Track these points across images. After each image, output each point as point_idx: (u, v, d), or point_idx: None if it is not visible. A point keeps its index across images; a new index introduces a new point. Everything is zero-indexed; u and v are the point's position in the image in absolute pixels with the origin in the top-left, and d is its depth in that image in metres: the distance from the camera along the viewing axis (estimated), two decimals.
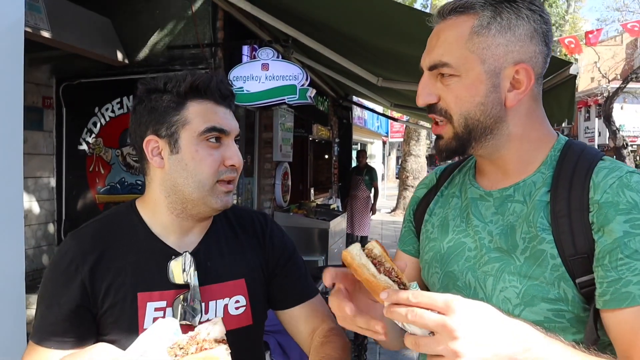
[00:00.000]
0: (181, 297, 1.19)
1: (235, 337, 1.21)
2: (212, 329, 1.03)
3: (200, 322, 1.18)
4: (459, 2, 1.00)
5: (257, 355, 1.36)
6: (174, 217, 1.23)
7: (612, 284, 0.87)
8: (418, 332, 0.77)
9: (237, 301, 1.26)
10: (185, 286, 1.19)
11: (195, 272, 1.20)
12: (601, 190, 0.92)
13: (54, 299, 1.16)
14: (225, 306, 1.24)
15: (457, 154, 1.06)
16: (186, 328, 1.17)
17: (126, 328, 1.16)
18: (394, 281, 0.81)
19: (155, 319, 1.14)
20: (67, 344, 1.14)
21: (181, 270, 1.19)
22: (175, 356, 0.96)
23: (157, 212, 1.24)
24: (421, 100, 1.05)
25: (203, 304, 1.21)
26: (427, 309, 0.75)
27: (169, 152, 1.18)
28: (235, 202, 5.28)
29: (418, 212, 1.22)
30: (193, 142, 1.17)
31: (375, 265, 0.82)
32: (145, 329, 1.09)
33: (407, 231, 1.25)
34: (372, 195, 9.62)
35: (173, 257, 1.20)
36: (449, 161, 1.21)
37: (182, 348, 0.98)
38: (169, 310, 1.19)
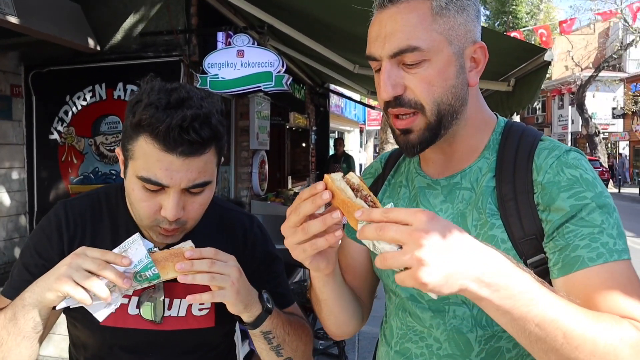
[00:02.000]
0: (149, 292, 1.21)
1: (195, 337, 1.24)
2: (183, 244, 1.09)
3: (162, 318, 1.20)
4: None
5: (221, 352, 1.36)
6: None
7: (562, 251, 0.90)
8: (387, 249, 0.76)
9: (202, 302, 1.21)
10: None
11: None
12: (543, 172, 0.96)
13: (32, 259, 1.20)
14: (189, 306, 1.24)
15: (429, 145, 1.01)
16: (149, 323, 1.20)
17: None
18: (369, 206, 0.82)
19: (121, 304, 1.15)
20: None
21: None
22: (151, 253, 1.05)
23: None
24: (388, 93, 0.96)
25: (167, 300, 1.22)
26: (397, 223, 0.74)
27: (123, 171, 1.17)
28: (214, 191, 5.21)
29: None
30: (133, 180, 1.09)
31: (353, 190, 0.84)
32: None
33: None
34: None
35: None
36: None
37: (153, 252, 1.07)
38: (134, 298, 1.21)
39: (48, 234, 1.22)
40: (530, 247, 0.94)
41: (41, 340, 1.12)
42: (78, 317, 1.20)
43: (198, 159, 1.06)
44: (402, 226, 0.74)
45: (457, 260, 0.73)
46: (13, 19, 3.32)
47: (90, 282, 0.98)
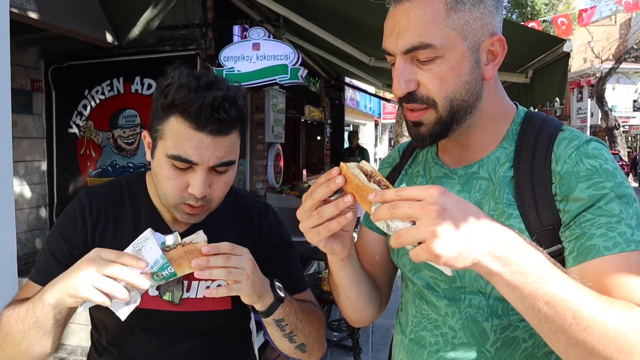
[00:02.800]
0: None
1: (212, 318, 1.27)
2: (195, 237, 1.10)
3: (181, 299, 1.24)
4: None
5: (238, 337, 1.39)
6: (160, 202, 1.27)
7: (577, 239, 0.89)
8: (402, 226, 0.77)
9: (219, 285, 1.24)
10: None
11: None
12: (562, 162, 0.95)
13: (58, 244, 1.24)
14: (207, 288, 1.25)
15: (440, 139, 1.03)
16: (169, 304, 1.23)
17: None
18: (382, 189, 0.83)
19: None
20: None
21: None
22: (166, 252, 1.06)
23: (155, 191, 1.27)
24: (401, 90, 0.97)
25: (186, 282, 1.25)
26: (410, 200, 0.75)
27: (150, 153, 1.21)
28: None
29: None
30: (162, 159, 1.14)
31: (366, 176, 0.86)
32: None
33: None
34: None
35: (169, 233, 1.22)
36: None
37: (171, 248, 1.08)
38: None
39: (72, 220, 1.25)
40: (547, 238, 0.93)
41: (62, 331, 1.16)
42: None
43: (225, 138, 1.13)
44: (415, 202, 0.74)
45: (470, 233, 0.73)
46: (33, 15, 3.37)
47: (110, 286, 1.00)
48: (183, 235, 1.22)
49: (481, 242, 0.74)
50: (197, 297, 1.26)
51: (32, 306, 1.09)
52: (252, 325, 1.64)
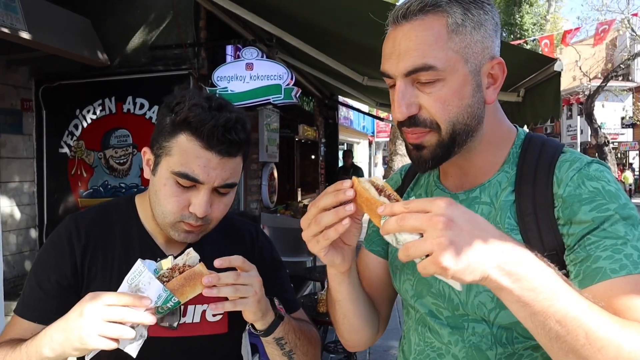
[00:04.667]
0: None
1: (209, 343, 1.25)
2: (187, 258, 1.08)
3: (179, 324, 1.22)
4: (423, 1, 0.93)
5: None
6: (155, 223, 1.24)
7: (583, 262, 0.87)
8: (410, 239, 0.76)
9: (223, 311, 1.24)
10: None
11: None
12: (563, 184, 0.93)
13: (45, 275, 1.18)
14: (203, 312, 1.26)
15: (441, 162, 1.01)
16: (165, 330, 1.20)
17: None
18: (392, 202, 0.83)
19: None
20: (51, 321, 1.09)
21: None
22: (165, 282, 1.03)
23: (150, 212, 1.25)
24: (402, 114, 0.94)
25: (182, 307, 1.23)
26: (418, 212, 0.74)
27: (152, 169, 1.19)
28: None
29: None
30: (165, 176, 1.13)
31: (377, 190, 0.86)
32: None
33: (376, 231, 1.21)
34: None
35: (158, 258, 1.19)
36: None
37: (166, 276, 1.05)
38: None
39: (59, 248, 1.21)
40: (552, 263, 0.91)
41: None
42: None
43: (232, 160, 1.14)
44: (422, 214, 0.73)
45: (479, 245, 0.72)
46: (24, 34, 3.35)
47: (117, 331, 0.96)
48: (176, 257, 1.18)
49: (490, 255, 0.72)
50: (194, 321, 1.24)
51: (27, 357, 1.03)
52: (247, 350, 1.61)
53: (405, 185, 1.22)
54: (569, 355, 0.74)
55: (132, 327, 0.99)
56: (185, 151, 1.11)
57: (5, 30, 3.20)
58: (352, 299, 1.10)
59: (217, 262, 1.07)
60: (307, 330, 1.31)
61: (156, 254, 1.21)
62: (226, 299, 1.09)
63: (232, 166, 1.14)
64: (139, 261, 1.05)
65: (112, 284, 1.15)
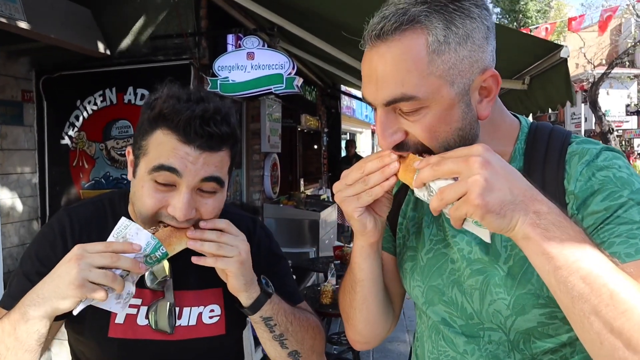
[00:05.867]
0: (158, 302, 1.17)
1: (206, 345, 1.21)
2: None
3: (174, 327, 1.17)
4: (399, 18, 0.82)
5: None
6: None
7: None
8: (443, 184, 0.77)
9: (212, 310, 1.22)
10: (160, 290, 1.18)
11: (171, 279, 1.18)
12: (574, 180, 0.89)
13: (34, 267, 1.13)
14: (200, 314, 1.21)
15: None
16: (160, 334, 1.16)
17: (98, 317, 1.13)
18: None
19: (128, 315, 1.15)
20: None
21: (158, 274, 1.17)
22: (153, 233, 1.03)
23: None
24: (387, 143, 0.88)
25: (177, 309, 1.19)
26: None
27: (132, 171, 1.14)
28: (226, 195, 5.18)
29: (391, 212, 1.06)
30: (143, 177, 1.06)
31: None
32: (117, 323, 1.13)
33: (386, 230, 1.15)
34: None
35: None
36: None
37: (153, 229, 1.05)
38: (143, 308, 1.17)
39: (51, 240, 1.17)
40: None
41: (43, 350, 1.07)
42: (83, 329, 1.14)
43: (214, 155, 1.05)
44: (459, 157, 0.75)
45: (513, 188, 0.73)
46: (23, 25, 3.31)
47: (107, 277, 0.94)
48: (170, 259, 1.14)
49: (523, 202, 0.73)
50: (190, 324, 1.20)
51: (9, 325, 0.99)
52: (250, 342, 1.58)
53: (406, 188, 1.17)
54: (591, 317, 0.70)
55: (121, 277, 0.97)
56: (160, 145, 1.03)
57: (4, 20, 3.17)
58: (375, 278, 1.06)
59: (202, 223, 1.07)
60: (304, 317, 1.26)
61: None
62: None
63: (215, 161, 1.05)
64: (123, 218, 1.02)
65: None
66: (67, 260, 0.97)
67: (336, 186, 0.95)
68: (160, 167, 1.02)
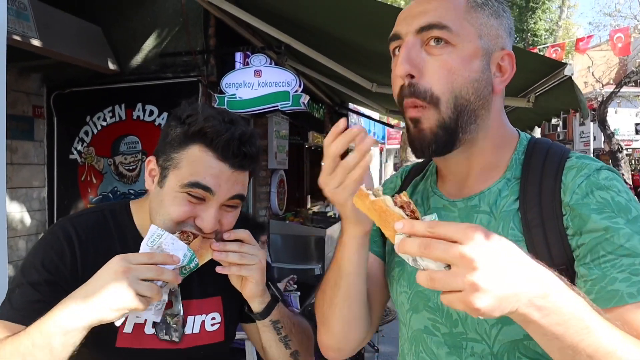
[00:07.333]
0: (168, 312, 1.19)
1: (207, 352, 1.25)
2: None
3: (182, 336, 1.20)
4: None
5: None
6: None
7: (596, 282, 0.82)
8: (433, 267, 0.70)
9: (213, 318, 1.27)
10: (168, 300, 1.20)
11: (179, 289, 1.19)
12: (570, 192, 0.88)
13: (41, 276, 1.10)
14: (202, 322, 1.25)
15: (445, 149, 0.94)
16: (166, 343, 1.18)
17: (106, 327, 1.10)
18: (407, 215, 0.75)
19: (136, 325, 1.16)
20: None
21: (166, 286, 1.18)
22: (189, 241, 1.09)
23: (148, 221, 1.20)
24: (403, 68, 0.90)
25: (183, 319, 1.22)
26: (444, 239, 0.68)
27: (158, 181, 1.17)
28: None
29: None
30: (175, 189, 1.11)
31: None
32: (125, 332, 1.15)
33: (375, 231, 1.14)
34: None
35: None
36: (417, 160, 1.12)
37: (182, 239, 1.09)
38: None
39: (57, 250, 1.14)
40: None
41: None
42: (87, 341, 1.13)
43: (243, 174, 1.15)
44: (451, 244, 0.67)
45: (512, 282, 0.66)
46: (36, 42, 3.39)
47: (152, 290, 0.98)
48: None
49: (522, 291, 0.67)
50: (194, 332, 1.23)
51: (41, 338, 0.96)
52: (253, 357, 1.60)
53: (404, 188, 1.17)
54: None
55: (160, 287, 1.01)
56: (195, 162, 1.09)
57: (17, 37, 3.24)
58: (361, 273, 1.02)
59: (226, 235, 1.14)
60: (300, 320, 1.34)
61: None
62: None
63: (242, 180, 1.15)
64: (152, 225, 1.07)
65: None
66: (112, 272, 0.97)
67: (321, 180, 0.93)
68: (196, 185, 1.09)
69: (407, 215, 0.75)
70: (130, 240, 1.22)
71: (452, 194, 1.04)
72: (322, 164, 0.94)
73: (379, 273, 1.15)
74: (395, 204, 0.77)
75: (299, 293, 4.00)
